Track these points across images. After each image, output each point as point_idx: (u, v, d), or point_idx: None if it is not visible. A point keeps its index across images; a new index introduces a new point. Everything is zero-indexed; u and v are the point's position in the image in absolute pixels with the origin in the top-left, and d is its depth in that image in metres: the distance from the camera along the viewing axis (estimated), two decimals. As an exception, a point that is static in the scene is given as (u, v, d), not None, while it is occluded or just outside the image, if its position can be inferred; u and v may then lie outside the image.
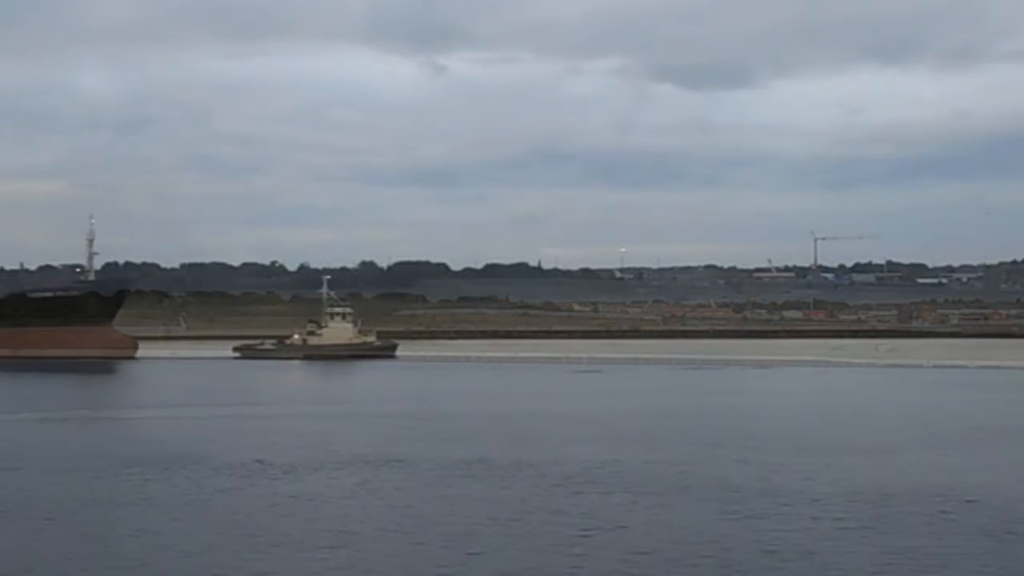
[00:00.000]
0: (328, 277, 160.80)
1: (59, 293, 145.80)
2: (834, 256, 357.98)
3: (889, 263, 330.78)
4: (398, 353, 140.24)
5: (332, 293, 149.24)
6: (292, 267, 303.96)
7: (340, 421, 65.56)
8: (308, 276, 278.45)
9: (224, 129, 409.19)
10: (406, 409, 71.36)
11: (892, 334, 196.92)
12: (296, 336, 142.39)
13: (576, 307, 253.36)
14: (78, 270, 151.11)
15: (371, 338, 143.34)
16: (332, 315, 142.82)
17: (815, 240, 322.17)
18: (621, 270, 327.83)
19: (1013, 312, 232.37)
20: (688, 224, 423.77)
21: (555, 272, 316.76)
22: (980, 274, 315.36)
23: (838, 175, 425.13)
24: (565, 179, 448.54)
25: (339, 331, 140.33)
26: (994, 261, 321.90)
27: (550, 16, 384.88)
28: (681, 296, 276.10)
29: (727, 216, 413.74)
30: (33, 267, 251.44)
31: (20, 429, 60.31)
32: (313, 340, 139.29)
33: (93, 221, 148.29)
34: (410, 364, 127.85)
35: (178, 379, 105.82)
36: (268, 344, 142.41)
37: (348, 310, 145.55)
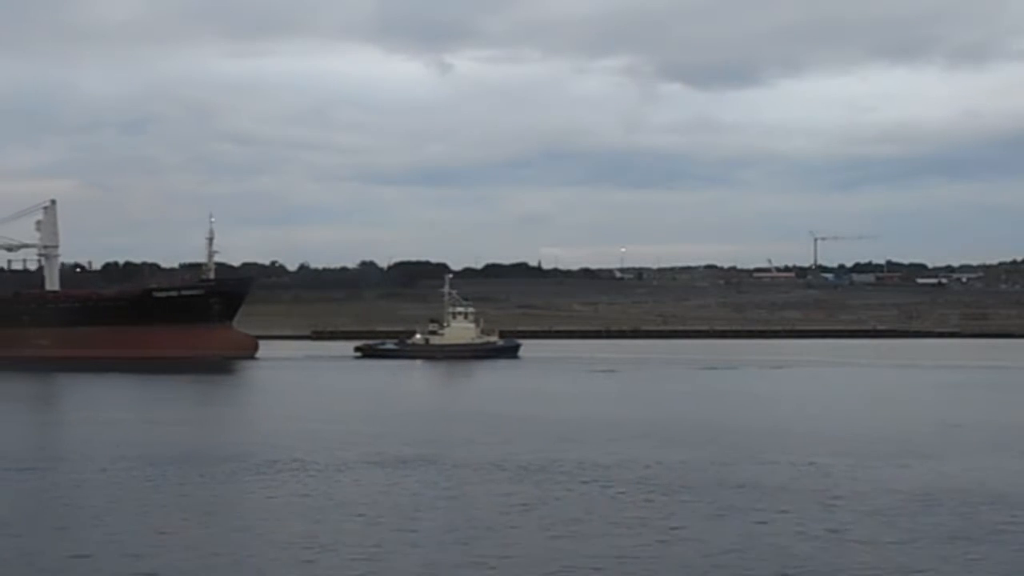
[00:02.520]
0: (451, 276, 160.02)
1: (184, 292, 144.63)
2: (834, 256, 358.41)
3: (889, 263, 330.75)
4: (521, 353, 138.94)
5: (454, 292, 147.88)
6: (292, 267, 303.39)
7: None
8: (308, 276, 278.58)
9: (228, 129, 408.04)
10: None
11: (892, 334, 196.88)
12: (418, 336, 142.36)
13: (576, 307, 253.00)
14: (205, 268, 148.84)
15: (493, 338, 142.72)
16: (454, 314, 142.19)
17: (815, 240, 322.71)
18: (621, 270, 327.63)
19: (1013, 312, 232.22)
20: (689, 224, 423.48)
21: (555, 272, 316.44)
22: (980, 274, 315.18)
23: (845, 175, 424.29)
24: (570, 179, 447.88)
25: (462, 331, 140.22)
26: (994, 261, 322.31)
27: (559, 14, 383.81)
28: (681, 296, 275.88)
29: (728, 216, 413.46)
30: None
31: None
32: (435, 340, 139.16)
33: (213, 220, 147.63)
34: (535, 364, 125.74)
35: (329, 381, 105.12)
36: (390, 344, 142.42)
37: (470, 309, 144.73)
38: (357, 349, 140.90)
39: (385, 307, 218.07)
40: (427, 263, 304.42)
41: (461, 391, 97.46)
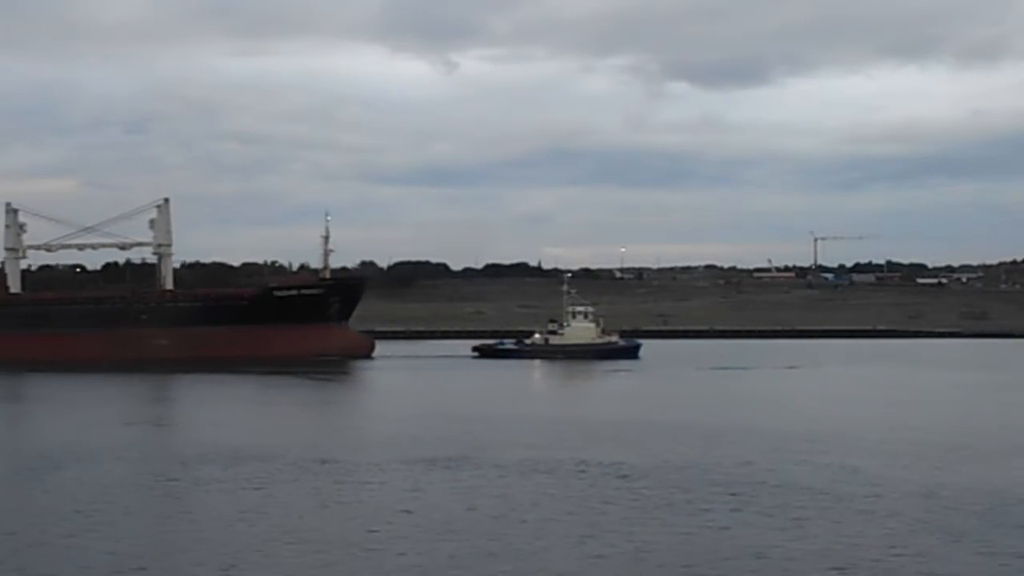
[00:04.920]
0: (569, 275, 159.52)
1: (303, 292, 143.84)
2: (834, 256, 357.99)
3: (889, 263, 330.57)
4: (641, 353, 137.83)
5: (574, 291, 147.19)
6: (292, 267, 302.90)
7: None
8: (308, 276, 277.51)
9: (232, 128, 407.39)
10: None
11: (893, 334, 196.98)
12: (537, 336, 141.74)
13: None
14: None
15: (614, 337, 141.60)
16: (574, 314, 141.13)
17: (815, 240, 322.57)
18: (621, 270, 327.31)
19: (1013, 312, 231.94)
20: (690, 224, 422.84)
21: (555, 272, 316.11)
22: (980, 274, 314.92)
23: (850, 175, 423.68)
24: (575, 178, 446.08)
25: (582, 330, 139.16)
26: (994, 261, 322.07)
27: (565, 13, 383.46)
28: (681, 296, 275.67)
29: (729, 216, 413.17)
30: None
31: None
32: (555, 340, 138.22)
33: (329, 219, 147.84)
34: (657, 365, 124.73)
35: (469, 382, 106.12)
36: (509, 344, 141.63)
37: (590, 308, 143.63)
38: (475, 349, 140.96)
39: (384, 307, 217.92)
40: (427, 263, 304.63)
41: (624, 396, 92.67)
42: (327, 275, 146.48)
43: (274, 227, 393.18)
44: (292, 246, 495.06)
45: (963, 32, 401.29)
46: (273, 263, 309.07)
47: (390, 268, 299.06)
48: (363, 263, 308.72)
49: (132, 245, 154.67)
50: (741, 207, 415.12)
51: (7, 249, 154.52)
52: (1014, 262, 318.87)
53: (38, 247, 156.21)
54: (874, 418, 68.73)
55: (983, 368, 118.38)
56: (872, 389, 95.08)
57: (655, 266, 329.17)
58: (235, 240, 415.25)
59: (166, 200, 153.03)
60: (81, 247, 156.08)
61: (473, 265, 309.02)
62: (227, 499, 42.80)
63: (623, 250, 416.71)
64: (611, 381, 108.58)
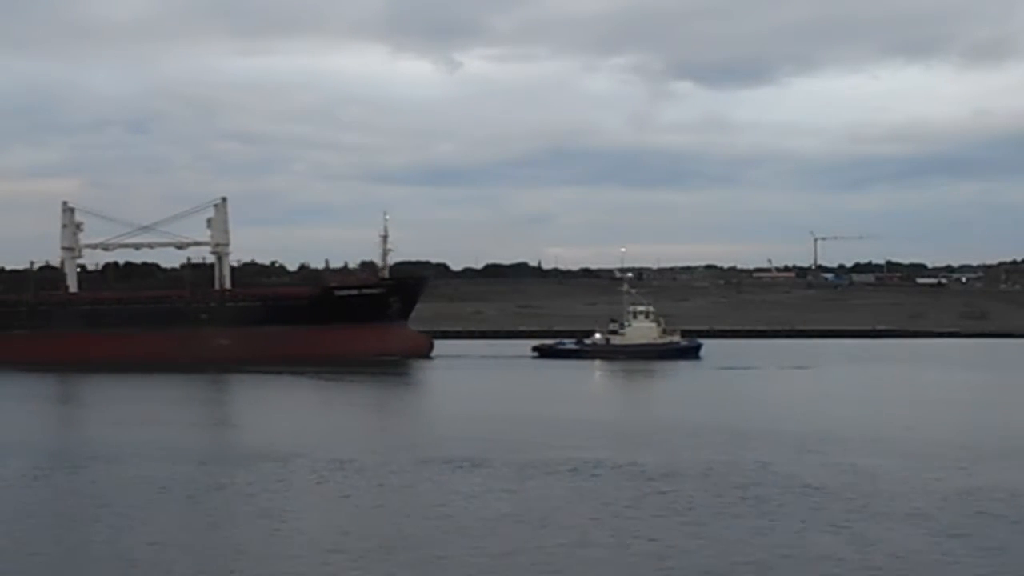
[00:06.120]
0: (630, 275, 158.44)
1: (364, 291, 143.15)
2: (834, 256, 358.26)
3: (889, 263, 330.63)
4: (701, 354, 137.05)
5: (633, 291, 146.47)
6: (292, 267, 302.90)
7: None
8: (308, 276, 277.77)
9: (234, 127, 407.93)
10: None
11: (893, 334, 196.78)
12: (597, 336, 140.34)
13: (579, 307, 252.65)
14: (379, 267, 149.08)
15: (676, 337, 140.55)
16: (635, 314, 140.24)
17: (815, 240, 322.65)
18: (621, 270, 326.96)
19: (1013, 312, 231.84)
20: (690, 224, 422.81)
21: (555, 272, 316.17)
22: (980, 274, 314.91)
23: (851, 175, 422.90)
24: (577, 178, 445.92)
25: (643, 330, 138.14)
26: (994, 261, 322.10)
27: (568, 12, 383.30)
28: (681, 296, 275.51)
29: (729, 216, 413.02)
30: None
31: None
32: (616, 340, 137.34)
33: (387, 217, 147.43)
34: (717, 364, 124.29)
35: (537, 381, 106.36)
36: (569, 344, 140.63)
37: (651, 308, 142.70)
38: (535, 349, 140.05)
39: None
40: (427, 263, 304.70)
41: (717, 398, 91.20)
42: (386, 274, 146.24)
43: (275, 227, 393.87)
44: (292, 245, 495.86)
45: (968, 32, 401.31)
46: (273, 263, 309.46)
47: (390, 268, 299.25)
48: (363, 263, 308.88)
49: (189, 244, 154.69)
50: (741, 207, 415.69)
51: (64, 248, 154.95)
52: (1014, 262, 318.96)
53: (94, 246, 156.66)
54: (918, 420, 69.23)
55: (991, 368, 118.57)
56: (893, 389, 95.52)
57: (655, 266, 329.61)
58: (237, 240, 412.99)
59: (223, 199, 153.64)
60: (137, 246, 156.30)
61: (473, 265, 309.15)
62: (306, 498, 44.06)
63: (623, 250, 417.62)
64: (678, 381, 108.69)
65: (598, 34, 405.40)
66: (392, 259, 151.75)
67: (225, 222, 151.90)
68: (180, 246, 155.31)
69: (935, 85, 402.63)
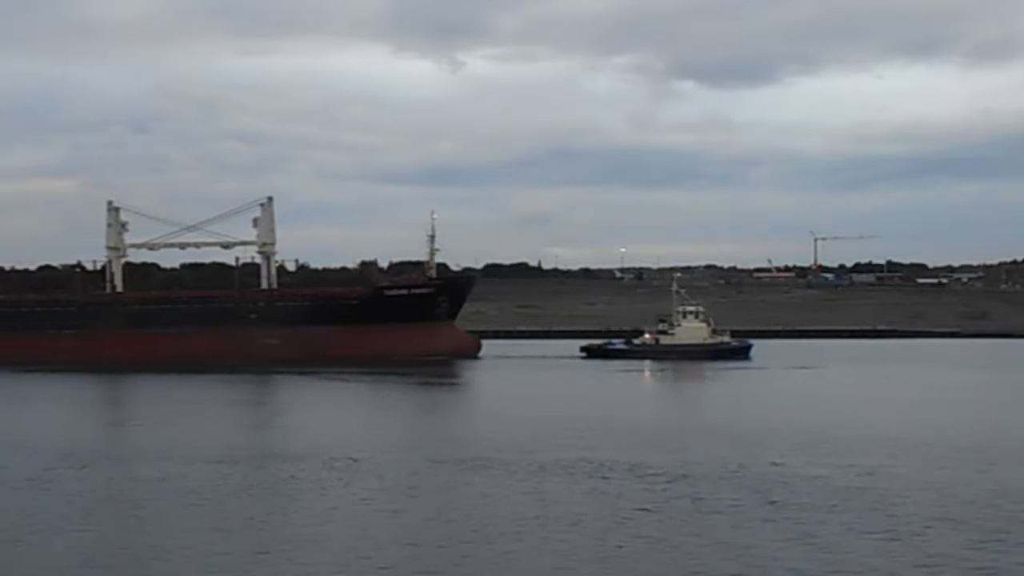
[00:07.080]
0: (678, 275, 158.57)
1: (414, 291, 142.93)
2: (834, 256, 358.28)
3: (889, 263, 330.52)
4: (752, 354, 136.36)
5: (682, 291, 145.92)
6: (292, 267, 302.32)
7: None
8: (309, 277, 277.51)
9: (236, 127, 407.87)
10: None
11: (893, 334, 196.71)
12: (647, 336, 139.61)
13: (581, 307, 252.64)
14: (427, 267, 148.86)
15: (726, 337, 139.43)
16: (684, 313, 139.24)
17: (815, 240, 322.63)
18: (621, 270, 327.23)
19: (1013, 312, 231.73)
20: (691, 224, 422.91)
21: (555, 272, 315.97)
22: (980, 274, 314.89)
23: (852, 175, 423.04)
24: (579, 178, 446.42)
25: (693, 330, 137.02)
26: (994, 261, 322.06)
27: (571, 12, 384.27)
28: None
29: (729, 216, 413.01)
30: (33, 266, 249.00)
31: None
32: (665, 340, 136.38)
33: (435, 217, 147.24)
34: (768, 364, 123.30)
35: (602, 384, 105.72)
36: (618, 344, 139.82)
37: (700, 308, 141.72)
38: (583, 349, 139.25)
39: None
40: (427, 263, 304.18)
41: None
42: (433, 274, 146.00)
43: (278, 227, 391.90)
44: (293, 246, 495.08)
45: (972, 32, 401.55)
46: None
47: (389, 268, 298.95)
48: (363, 263, 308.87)
49: (235, 244, 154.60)
50: (742, 207, 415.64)
51: (109, 248, 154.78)
52: (1014, 262, 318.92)
53: (140, 246, 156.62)
54: (941, 421, 69.19)
55: (997, 368, 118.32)
56: (904, 389, 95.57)
57: (655, 266, 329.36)
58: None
59: (269, 199, 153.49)
60: (183, 246, 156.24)
61: (473, 265, 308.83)
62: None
63: (623, 250, 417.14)
64: (732, 381, 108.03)
65: (600, 34, 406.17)
66: (393, 259, 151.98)
67: (272, 221, 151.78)
68: (226, 246, 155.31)
69: (938, 85, 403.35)
